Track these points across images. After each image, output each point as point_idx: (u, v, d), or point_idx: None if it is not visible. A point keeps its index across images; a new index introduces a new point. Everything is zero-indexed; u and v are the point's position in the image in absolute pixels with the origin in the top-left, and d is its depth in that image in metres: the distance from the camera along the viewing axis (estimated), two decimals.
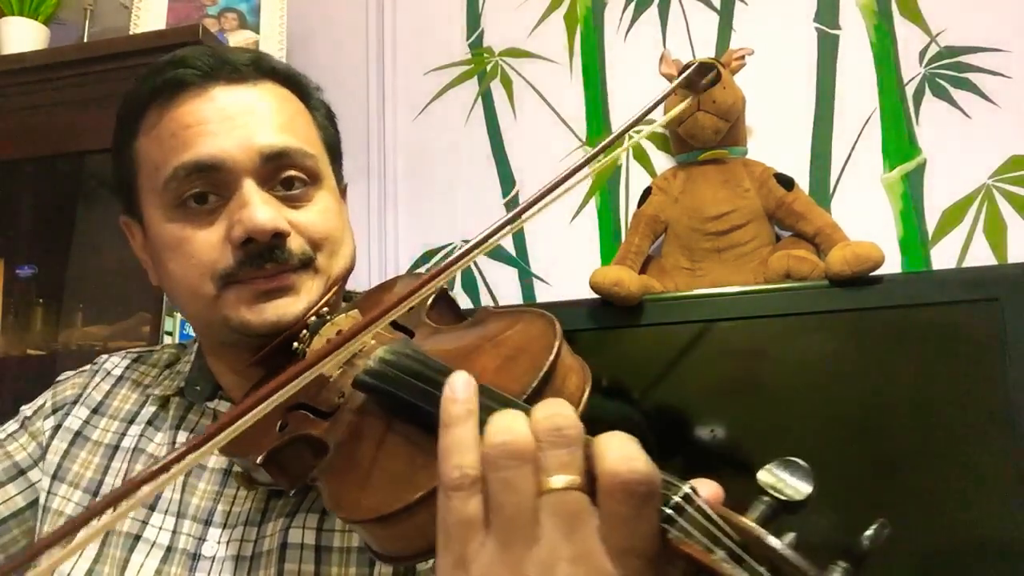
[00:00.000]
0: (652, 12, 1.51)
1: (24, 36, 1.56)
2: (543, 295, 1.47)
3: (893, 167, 1.34)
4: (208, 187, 0.62)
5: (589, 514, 0.33)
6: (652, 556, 0.33)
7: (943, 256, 1.29)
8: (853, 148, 1.36)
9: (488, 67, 1.59)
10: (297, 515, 0.61)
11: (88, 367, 0.79)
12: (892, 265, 1.26)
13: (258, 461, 0.52)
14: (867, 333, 1.09)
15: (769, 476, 0.33)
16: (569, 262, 1.46)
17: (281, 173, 0.64)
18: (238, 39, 1.55)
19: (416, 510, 0.39)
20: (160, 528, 0.64)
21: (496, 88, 1.58)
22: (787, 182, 1.27)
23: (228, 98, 0.64)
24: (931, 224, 1.31)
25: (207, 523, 0.63)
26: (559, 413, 0.35)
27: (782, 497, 0.33)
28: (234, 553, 0.61)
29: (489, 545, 0.34)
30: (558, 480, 0.33)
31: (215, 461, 0.67)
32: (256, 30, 1.56)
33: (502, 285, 1.50)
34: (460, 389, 0.38)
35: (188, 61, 0.65)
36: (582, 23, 1.55)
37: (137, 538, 0.63)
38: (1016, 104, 1.30)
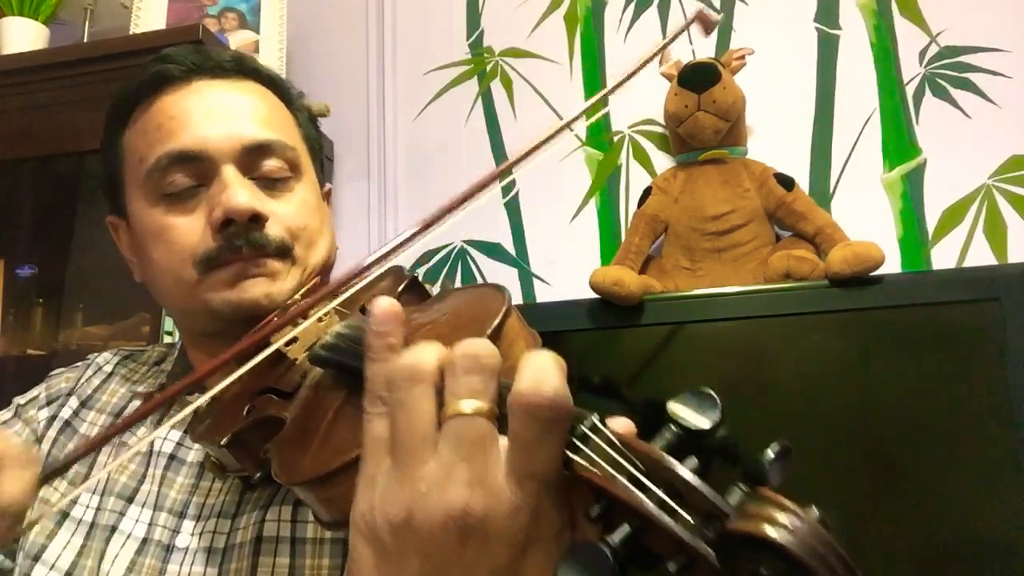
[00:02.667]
0: (652, 12, 1.51)
1: (24, 36, 1.56)
2: (543, 295, 1.47)
3: (893, 167, 1.34)
4: (190, 175, 0.64)
5: (492, 441, 0.33)
6: (552, 481, 0.33)
7: (943, 256, 1.29)
8: (853, 148, 1.36)
9: (488, 67, 1.59)
10: (271, 507, 0.61)
11: (81, 363, 0.80)
12: (892, 265, 1.26)
13: (222, 443, 0.53)
14: (867, 333, 1.09)
15: (677, 406, 0.34)
16: (569, 262, 1.46)
17: (262, 163, 0.65)
18: (238, 39, 1.55)
19: (354, 470, 0.39)
20: (137, 520, 0.64)
21: (496, 88, 1.58)
22: (787, 182, 1.27)
23: (211, 92, 0.66)
24: (931, 224, 1.31)
25: (181, 515, 0.64)
26: (477, 343, 0.35)
27: (688, 426, 0.33)
28: (207, 545, 0.61)
29: (388, 462, 0.35)
30: (466, 405, 0.34)
31: (193, 455, 0.67)
32: (256, 30, 1.56)
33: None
34: (379, 321, 0.38)
35: (172, 57, 0.68)
36: (582, 23, 1.55)
37: (114, 529, 0.64)
38: (1016, 104, 1.30)
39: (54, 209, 1.61)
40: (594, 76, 1.53)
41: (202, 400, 0.48)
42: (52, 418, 0.73)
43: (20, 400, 0.76)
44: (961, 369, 1.05)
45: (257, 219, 0.62)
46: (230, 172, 0.63)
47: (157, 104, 0.66)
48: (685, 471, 0.31)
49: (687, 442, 0.33)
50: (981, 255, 1.27)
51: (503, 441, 0.34)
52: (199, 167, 0.63)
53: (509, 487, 0.33)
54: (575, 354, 1.20)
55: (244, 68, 0.70)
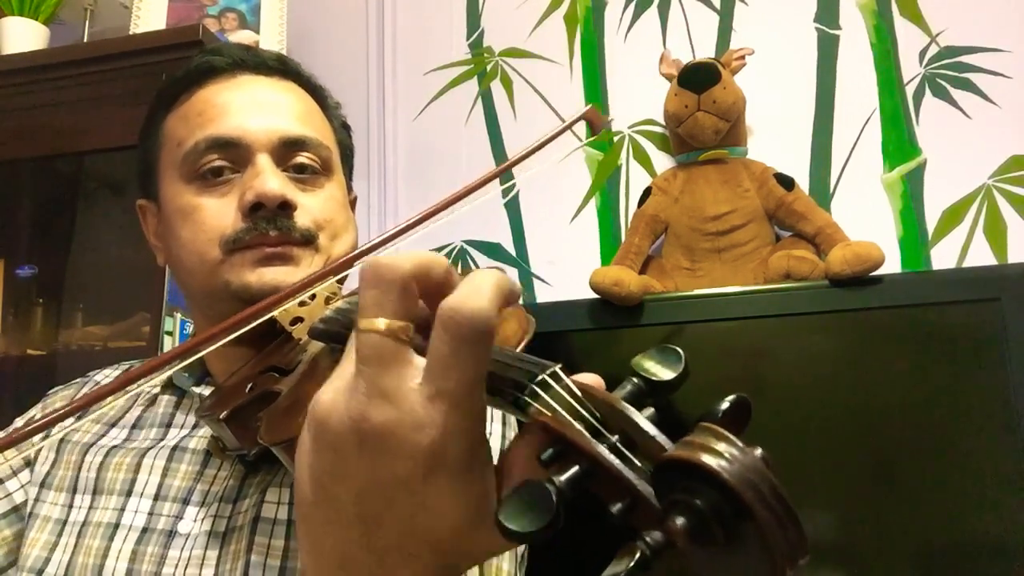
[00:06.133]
0: (652, 12, 1.51)
1: (24, 36, 1.56)
2: (543, 295, 1.47)
3: (893, 167, 1.34)
4: (225, 161, 0.65)
5: (393, 357, 0.33)
6: (466, 407, 0.33)
7: (943, 256, 1.29)
8: (853, 148, 1.36)
9: (488, 67, 1.59)
10: (270, 490, 0.62)
11: (78, 380, 0.80)
12: (892, 265, 1.26)
13: (221, 417, 0.54)
14: (867, 333, 1.09)
15: (641, 359, 0.34)
16: (569, 262, 1.46)
17: (296, 157, 0.67)
18: (238, 39, 1.54)
19: None
20: (136, 512, 0.64)
21: (496, 88, 1.58)
22: (787, 182, 1.27)
23: (253, 86, 0.69)
24: (931, 224, 1.31)
25: (185, 502, 0.64)
26: (387, 255, 0.35)
27: (650, 377, 0.33)
28: (208, 529, 0.62)
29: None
30: (365, 320, 0.33)
31: (195, 443, 0.68)
32: (256, 30, 1.56)
33: None
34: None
35: (219, 51, 0.70)
36: (582, 23, 1.55)
37: (116, 526, 0.64)
38: (1016, 104, 1.30)
39: (54, 209, 1.61)
40: (594, 76, 1.53)
41: (191, 359, 0.48)
42: (45, 437, 0.73)
43: (18, 422, 0.76)
44: (961, 369, 1.05)
45: (286, 206, 0.64)
46: (264, 160, 0.65)
47: (201, 93, 0.68)
48: (639, 417, 0.31)
49: (648, 394, 0.33)
50: (981, 255, 1.27)
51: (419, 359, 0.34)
52: (235, 153, 0.65)
53: (417, 402, 0.32)
54: (575, 354, 1.20)
55: (287, 69, 0.72)
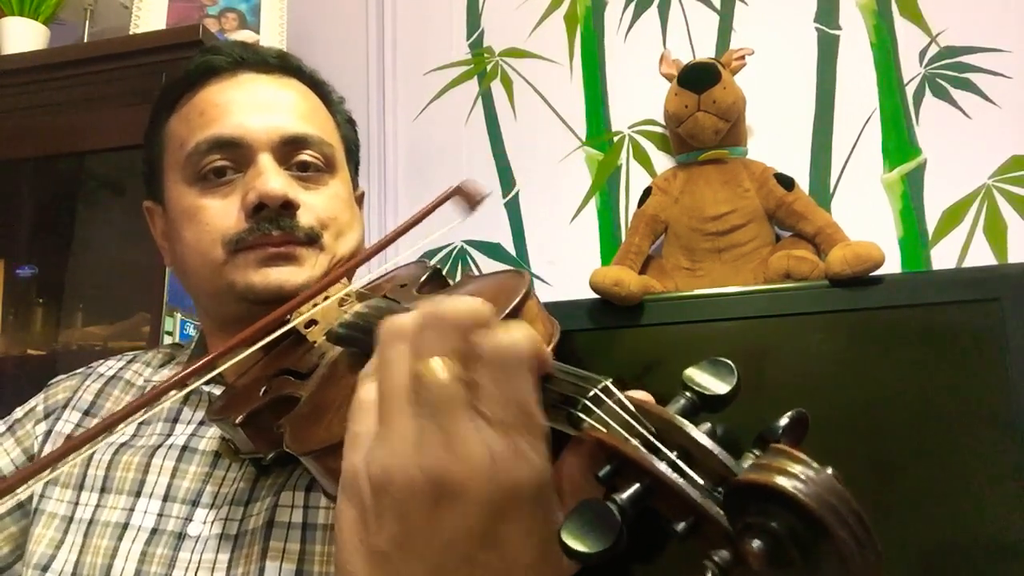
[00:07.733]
0: (652, 12, 1.51)
1: (24, 36, 1.56)
2: (543, 295, 1.46)
3: (893, 167, 1.34)
4: (227, 161, 0.65)
5: (461, 400, 0.33)
6: (530, 430, 0.33)
7: (943, 256, 1.29)
8: (853, 148, 1.36)
9: (488, 67, 1.59)
10: (284, 492, 0.61)
11: (81, 370, 0.79)
12: (892, 265, 1.26)
13: (236, 422, 0.54)
14: (867, 333, 1.09)
15: (693, 372, 0.34)
16: (569, 262, 1.46)
17: (298, 155, 0.67)
18: (238, 39, 1.54)
19: None
20: (146, 512, 0.64)
21: (496, 88, 1.58)
22: (787, 182, 1.27)
23: (254, 85, 0.69)
24: (931, 224, 1.31)
25: (195, 504, 0.63)
26: (449, 299, 0.35)
27: (703, 392, 0.33)
28: (219, 532, 0.61)
29: (373, 422, 0.35)
30: (427, 365, 0.33)
31: (205, 444, 0.67)
32: (256, 30, 1.56)
33: None
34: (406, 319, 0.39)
35: (219, 50, 0.70)
36: (582, 23, 1.55)
37: (125, 526, 0.63)
38: (1016, 104, 1.30)
39: (54, 209, 1.62)
40: (594, 76, 1.53)
41: (211, 375, 0.48)
42: (49, 432, 0.72)
43: (19, 413, 0.76)
44: (961, 369, 1.04)
45: (289, 206, 0.64)
46: (266, 160, 0.65)
47: (202, 93, 0.68)
48: (698, 433, 0.30)
49: (702, 408, 0.33)
50: (981, 255, 1.27)
51: None
52: (237, 153, 0.65)
53: (485, 445, 0.32)
54: (575, 354, 1.20)
55: (288, 66, 0.72)
